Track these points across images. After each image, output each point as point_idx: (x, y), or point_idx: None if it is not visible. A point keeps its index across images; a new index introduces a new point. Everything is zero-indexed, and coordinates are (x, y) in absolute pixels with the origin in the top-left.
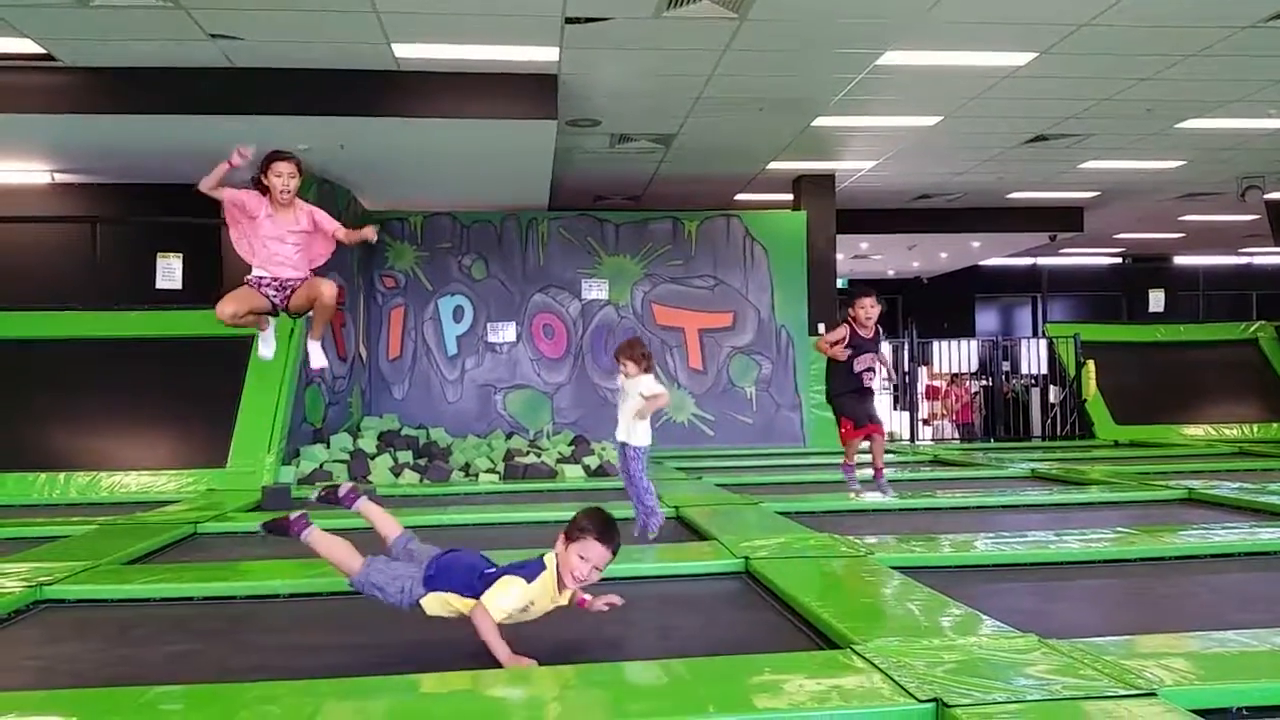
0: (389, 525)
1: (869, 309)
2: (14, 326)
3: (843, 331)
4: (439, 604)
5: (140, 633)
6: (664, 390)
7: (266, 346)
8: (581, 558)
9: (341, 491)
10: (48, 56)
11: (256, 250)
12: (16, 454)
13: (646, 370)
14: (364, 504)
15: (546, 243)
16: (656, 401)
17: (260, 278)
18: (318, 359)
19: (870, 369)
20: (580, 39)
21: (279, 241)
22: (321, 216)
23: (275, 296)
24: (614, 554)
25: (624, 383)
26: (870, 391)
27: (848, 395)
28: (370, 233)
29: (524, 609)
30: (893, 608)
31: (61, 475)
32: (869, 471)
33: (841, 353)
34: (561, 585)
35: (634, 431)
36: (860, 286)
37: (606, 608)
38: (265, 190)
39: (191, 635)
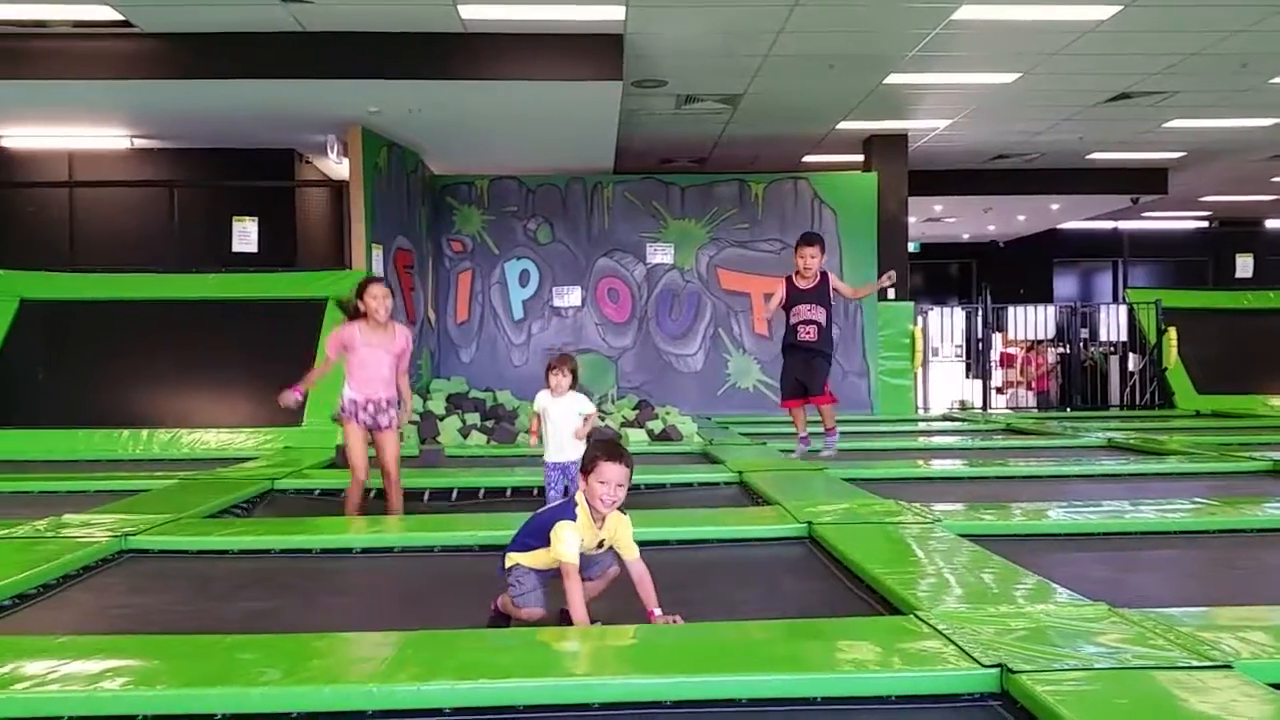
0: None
1: (808, 258)
2: (98, 288)
3: (779, 288)
4: (520, 559)
5: (218, 583)
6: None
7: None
8: (601, 483)
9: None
10: (126, 23)
11: (354, 372)
12: (103, 411)
13: (574, 385)
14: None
15: (611, 206)
16: (593, 419)
17: (353, 400)
18: None
19: (811, 320)
20: None
21: (375, 360)
22: (406, 346)
23: (363, 414)
24: (628, 466)
25: (550, 402)
26: (810, 350)
27: (785, 354)
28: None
29: (589, 553)
30: (959, 575)
31: (145, 432)
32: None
33: (769, 311)
34: (596, 517)
35: (576, 449)
36: (804, 235)
37: (672, 621)
38: (357, 314)
39: (267, 586)
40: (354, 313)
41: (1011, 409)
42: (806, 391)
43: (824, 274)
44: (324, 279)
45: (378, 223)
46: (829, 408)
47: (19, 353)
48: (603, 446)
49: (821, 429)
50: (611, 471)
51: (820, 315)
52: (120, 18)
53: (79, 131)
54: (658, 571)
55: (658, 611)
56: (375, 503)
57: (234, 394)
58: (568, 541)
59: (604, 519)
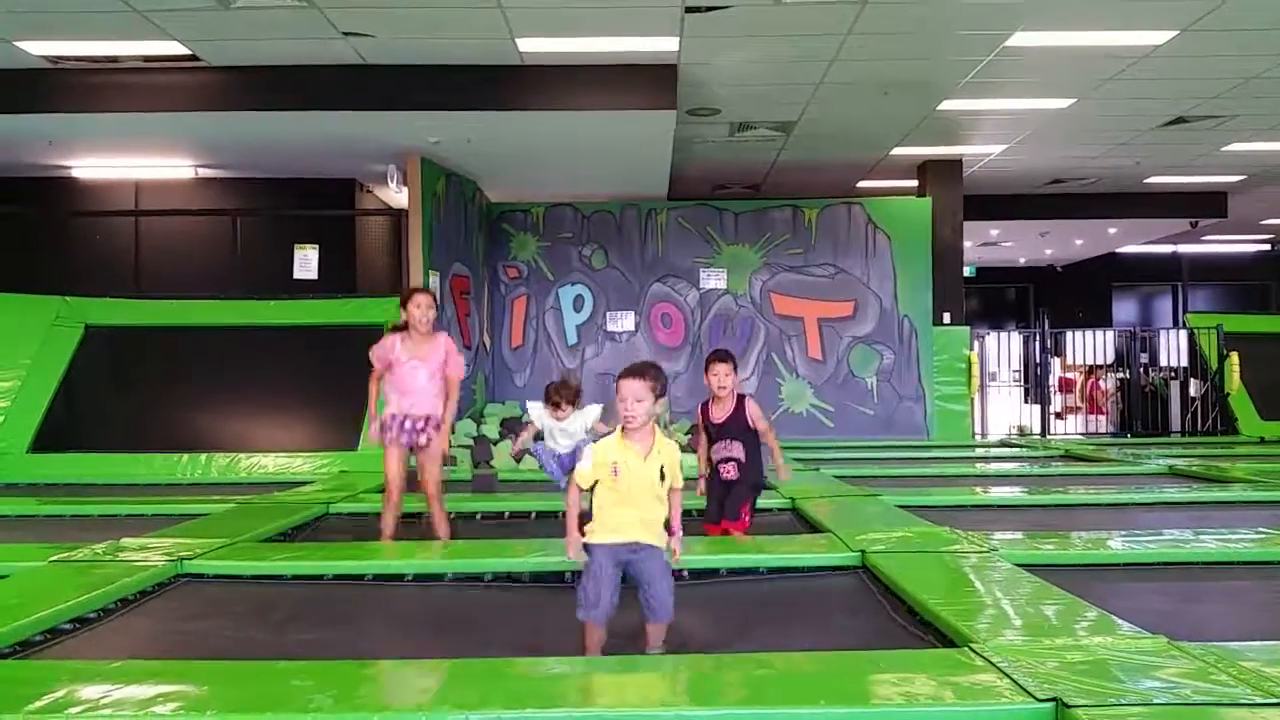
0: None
1: (721, 376)
2: (160, 314)
3: (698, 421)
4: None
5: (271, 608)
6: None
7: None
8: (620, 401)
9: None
10: (192, 57)
11: (393, 388)
12: (163, 435)
13: (575, 403)
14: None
15: (665, 232)
16: (600, 426)
17: (393, 415)
18: None
19: (730, 457)
20: (700, 28)
21: (414, 372)
22: (453, 353)
23: (403, 435)
24: (638, 377)
25: (556, 423)
26: (733, 483)
27: (708, 480)
28: (447, 450)
29: (609, 469)
30: (1015, 606)
31: (203, 456)
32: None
33: (702, 464)
34: (627, 436)
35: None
36: (712, 353)
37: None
38: (401, 328)
39: (320, 612)
40: (400, 325)
41: (1069, 435)
42: (722, 515)
43: (740, 398)
44: (381, 305)
45: (435, 250)
46: (736, 534)
47: (83, 377)
48: (620, 373)
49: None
50: (625, 388)
51: (739, 450)
52: (188, 52)
53: (146, 162)
54: (709, 598)
55: (680, 533)
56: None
57: (291, 418)
58: (585, 462)
59: (641, 438)
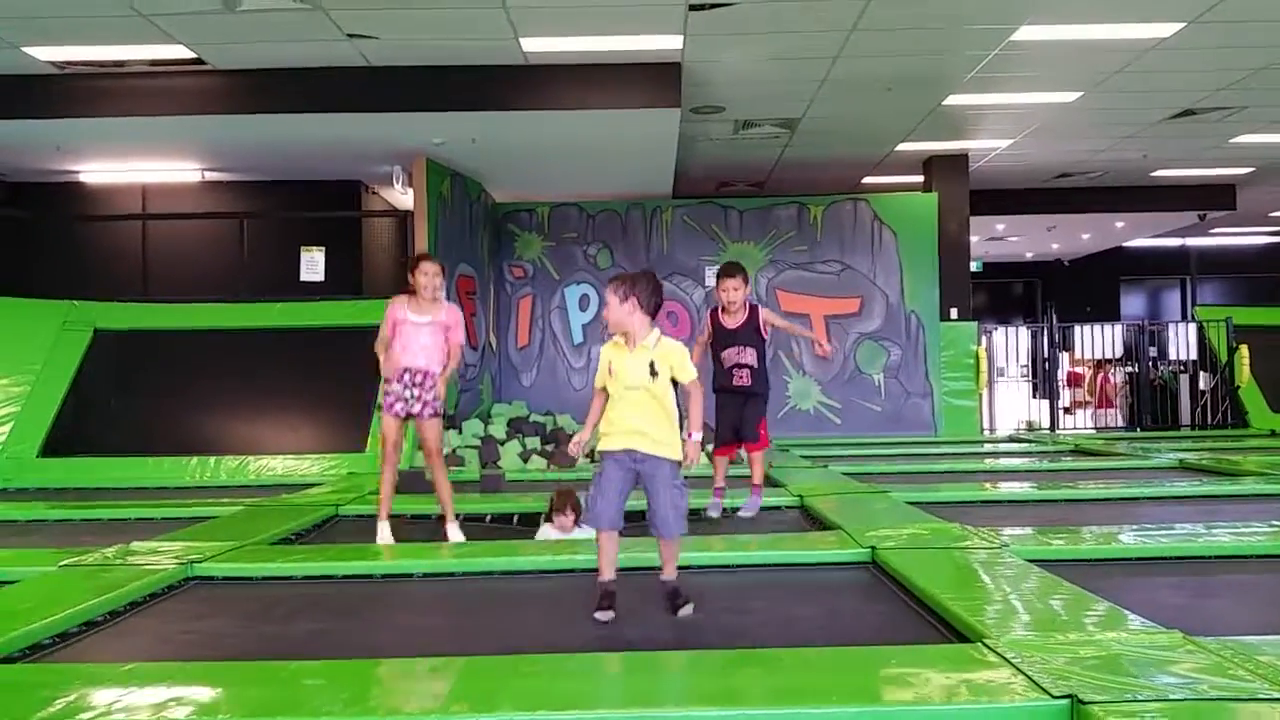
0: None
1: (730, 291)
2: (167, 318)
3: (705, 329)
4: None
5: (282, 609)
6: None
7: (455, 534)
8: (604, 305)
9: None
10: (198, 61)
11: (394, 348)
12: (173, 438)
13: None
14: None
15: (670, 230)
16: None
17: (397, 374)
18: (455, 536)
19: (742, 364)
20: (703, 26)
21: (416, 331)
22: (458, 322)
23: (402, 405)
24: (610, 286)
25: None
26: (745, 393)
27: (719, 396)
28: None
29: (607, 369)
30: (1027, 601)
31: (213, 459)
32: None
33: (697, 355)
34: (629, 342)
35: None
36: (723, 266)
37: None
38: (407, 291)
39: (331, 612)
40: (403, 291)
41: (1078, 429)
42: (739, 436)
43: (753, 307)
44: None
45: (440, 250)
46: (760, 456)
47: (92, 381)
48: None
49: (729, 491)
50: (606, 299)
51: (751, 357)
52: (193, 55)
53: (153, 166)
54: (718, 596)
55: (696, 435)
56: (434, 523)
57: (300, 420)
58: (600, 369)
59: (631, 340)
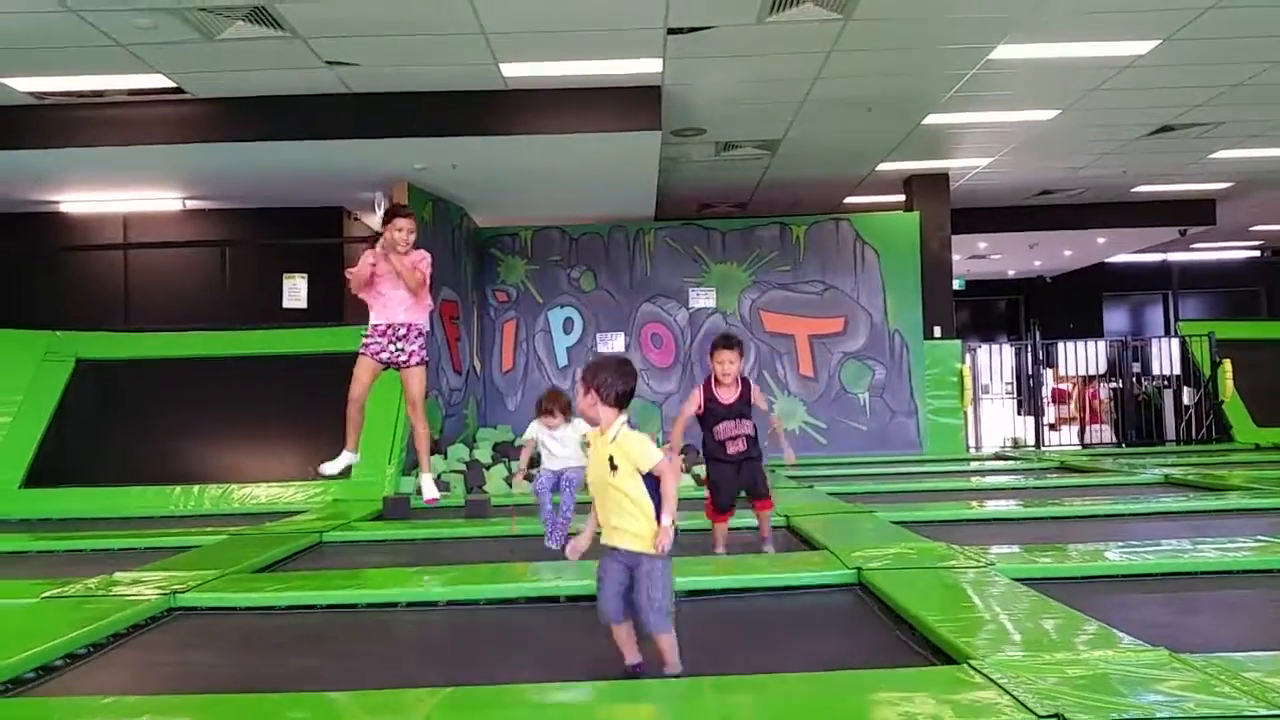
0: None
1: (726, 364)
2: (149, 346)
3: (695, 399)
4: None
5: (265, 639)
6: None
7: (429, 489)
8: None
9: None
10: (178, 90)
11: (375, 304)
12: (156, 468)
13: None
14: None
15: (653, 253)
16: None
17: (375, 326)
18: (430, 491)
19: (742, 434)
20: (683, 49)
21: (394, 288)
22: (423, 257)
23: (384, 353)
24: (581, 373)
25: (549, 431)
26: (744, 458)
27: (713, 466)
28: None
29: (593, 469)
30: (1014, 621)
31: (196, 488)
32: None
33: (678, 431)
34: (598, 428)
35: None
36: (719, 339)
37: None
38: (379, 243)
39: (314, 642)
40: (374, 243)
41: (1063, 446)
42: (752, 496)
43: (745, 381)
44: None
45: None
46: (768, 515)
47: (75, 411)
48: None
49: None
50: (580, 397)
51: (747, 428)
52: (173, 84)
53: (133, 194)
54: (703, 619)
55: (666, 520)
56: (420, 549)
57: (283, 448)
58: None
59: (605, 430)
